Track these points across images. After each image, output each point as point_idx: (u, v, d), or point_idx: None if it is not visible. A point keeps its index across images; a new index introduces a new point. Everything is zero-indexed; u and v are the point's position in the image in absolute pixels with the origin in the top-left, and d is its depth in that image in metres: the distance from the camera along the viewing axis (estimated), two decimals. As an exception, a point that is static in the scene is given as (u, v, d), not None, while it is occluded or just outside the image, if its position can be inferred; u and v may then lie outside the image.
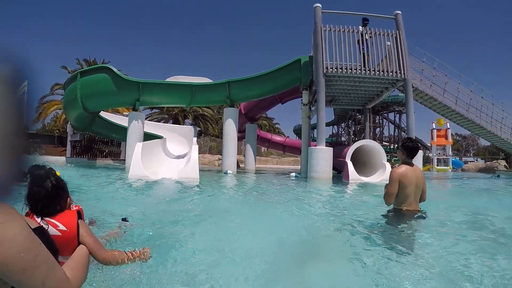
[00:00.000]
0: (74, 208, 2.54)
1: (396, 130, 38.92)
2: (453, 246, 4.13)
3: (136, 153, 13.16)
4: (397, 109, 36.65)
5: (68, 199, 2.55)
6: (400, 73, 16.36)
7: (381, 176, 15.05)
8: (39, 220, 2.26)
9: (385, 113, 39.64)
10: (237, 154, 20.99)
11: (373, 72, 16.38)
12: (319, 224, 5.76)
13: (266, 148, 38.41)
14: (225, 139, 19.25)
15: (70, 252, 2.20)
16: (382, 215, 5.66)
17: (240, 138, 24.48)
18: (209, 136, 45.97)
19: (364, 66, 16.46)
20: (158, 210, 6.55)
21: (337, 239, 4.59)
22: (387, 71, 16.39)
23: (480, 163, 35.80)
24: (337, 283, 3.08)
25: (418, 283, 2.96)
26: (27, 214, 2.33)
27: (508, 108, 23.27)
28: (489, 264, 3.36)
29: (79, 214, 2.46)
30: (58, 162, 20.78)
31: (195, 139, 16.36)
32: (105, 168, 17.49)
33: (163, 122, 41.72)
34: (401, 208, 5.35)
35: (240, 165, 24.74)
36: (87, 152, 29.34)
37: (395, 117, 39.47)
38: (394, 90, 18.89)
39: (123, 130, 21.76)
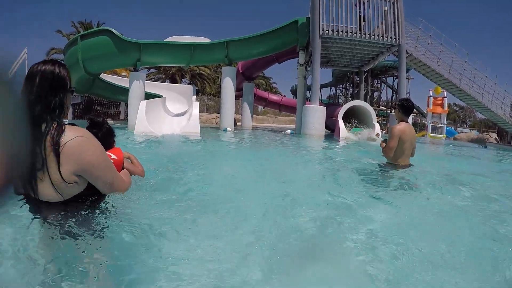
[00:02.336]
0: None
1: (394, 94, 39.03)
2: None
3: (141, 110, 14.07)
4: (396, 73, 36.70)
5: (114, 141, 3.59)
6: (395, 38, 16.71)
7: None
8: None
9: (384, 77, 39.74)
10: (234, 113, 21.45)
11: (368, 35, 16.71)
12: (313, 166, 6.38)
13: (263, 107, 38.63)
14: (223, 98, 19.74)
15: None
16: (379, 165, 6.17)
17: (237, 97, 24.80)
18: (206, 95, 46.09)
19: (360, 30, 16.78)
20: (172, 156, 7.27)
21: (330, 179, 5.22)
22: (382, 36, 16.73)
23: (473, 133, 35.97)
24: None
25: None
26: None
27: (500, 82, 23.73)
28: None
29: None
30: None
31: (194, 97, 16.94)
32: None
33: (161, 82, 41.79)
34: (396, 163, 5.77)
35: (237, 123, 25.18)
36: (86, 114, 29.68)
37: (393, 82, 39.53)
38: (389, 55, 19.27)
39: (122, 91, 22.42)
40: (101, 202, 2.51)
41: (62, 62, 2.22)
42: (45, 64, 2.18)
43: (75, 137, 2.11)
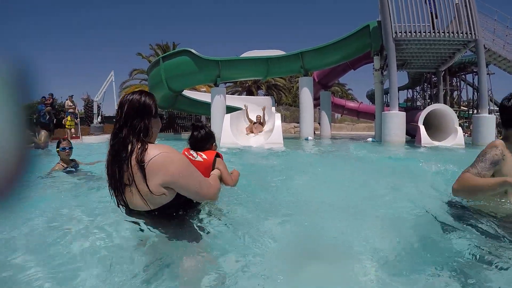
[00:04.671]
0: (216, 151, 4.07)
1: (475, 93, 36.95)
2: None
3: (226, 123, 15.06)
4: (475, 70, 34.72)
5: (214, 144, 4.17)
6: (471, 33, 16.23)
7: (453, 140, 15.51)
8: (192, 152, 3.87)
9: (462, 74, 37.91)
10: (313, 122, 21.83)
11: (442, 33, 16.41)
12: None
13: (340, 115, 38.53)
14: (302, 107, 20.32)
15: (208, 175, 3.52)
16: None
17: (314, 106, 25.13)
18: (282, 105, 46.63)
19: (433, 28, 16.49)
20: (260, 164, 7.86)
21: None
22: (457, 32, 16.32)
23: None
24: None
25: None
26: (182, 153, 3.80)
27: None
28: None
29: (218, 154, 3.99)
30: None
31: (273, 108, 17.65)
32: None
33: (237, 95, 43.05)
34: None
35: (315, 132, 25.50)
36: (169, 127, 31.38)
37: (473, 79, 37.41)
38: (466, 52, 18.72)
39: (203, 105, 24.14)
40: (191, 213, 2.89)
41: (149, 92, 2.79)
42: (133, 94, 2.65)
43: (159, 154, 2.48)
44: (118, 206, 2.69)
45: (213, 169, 3.79)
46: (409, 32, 16.42)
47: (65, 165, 6.84)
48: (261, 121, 16.80)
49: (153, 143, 2.66)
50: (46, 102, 20.33)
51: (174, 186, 2.56)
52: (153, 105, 2.67)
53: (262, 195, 4.56)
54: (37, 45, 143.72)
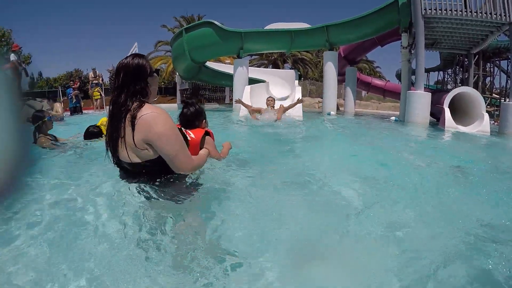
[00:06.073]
0: (206, 129, 4.06)
1: (509, 80, 35.50)
2: None
3: (245, 95, 15.06)
4: (510, 56, 33.39)
5: (204, 121, 4.18)
6: (505, 15, 15.40)
7: (478, 126, 14.99)
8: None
9: (497, 60, 36.61)
10: (337, 98, 21.50)
11: (475, 13, 15.61)
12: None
13: (366, 93, 37.88)
14: (325, 83, 19.87)
15: (195, 154, 3.50)
16: None
17: (340, 81, 24.61)
18: (308, 79, 46.21)
19: (466, 7, 15.68)
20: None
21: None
22: (490, 13, 15.50)
23: None
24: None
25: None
26: None
27: None
28: None
29: (207, 133, 3.97)
30: (171, 108, 22.73)
31: (296, 81, 17.52)
32: (215, 110, 19.01)
33: (263, 67, 42.77)
34: None
35: (339, 108, 25.14)
36: (193, 97, 31.78)
37: (508, 65, 36.07)
38: (500, 35, 17.89)
39: (226, 77, 24.10)
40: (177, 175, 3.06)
41: (140, 54, 3.01)
42: (126, 59, 2.82)
43: (150, 113, 2.71)
44: (111, 159, 3.01)
45: (201, 148, 3.81)
46: (439, 10, 15.67)
47: (49, 138, 6.09)
48: (274, 106, 13.46)
49: (150, 104, 2.88)
50: (73, 86, 21.76)
51: (154, 144, 2.77)
52: (147, 65, 2.87)
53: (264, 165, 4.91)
54: (65, 20, 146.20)
